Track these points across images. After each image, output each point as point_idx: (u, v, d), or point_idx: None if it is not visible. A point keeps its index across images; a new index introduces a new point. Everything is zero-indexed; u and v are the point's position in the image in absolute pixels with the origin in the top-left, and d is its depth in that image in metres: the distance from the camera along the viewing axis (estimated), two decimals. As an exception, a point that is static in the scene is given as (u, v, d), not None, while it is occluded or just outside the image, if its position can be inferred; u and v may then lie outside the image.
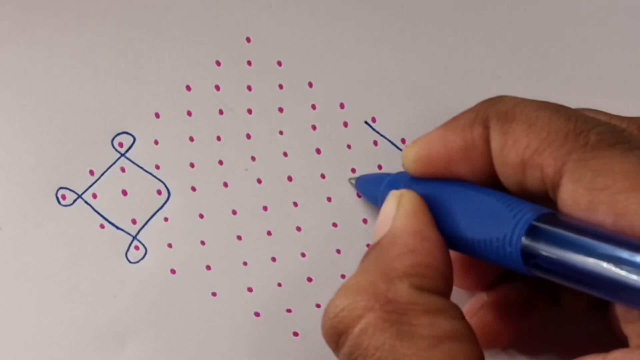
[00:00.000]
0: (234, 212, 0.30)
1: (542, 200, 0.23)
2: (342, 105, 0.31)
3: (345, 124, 0.31)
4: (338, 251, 0.31)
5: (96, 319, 0.29)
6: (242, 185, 0.30)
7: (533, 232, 0.21)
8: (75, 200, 0.30)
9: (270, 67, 0.31)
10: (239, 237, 0.30)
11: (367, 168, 0.31)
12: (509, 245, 0.22)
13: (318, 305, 0.30)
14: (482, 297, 0.28)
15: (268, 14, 0.31)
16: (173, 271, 0.30)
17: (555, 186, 0.22)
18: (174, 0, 0.31)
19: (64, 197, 0.30)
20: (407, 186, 0.26)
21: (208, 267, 0.30)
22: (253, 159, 0.31)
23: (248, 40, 0.31)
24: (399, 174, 0.28)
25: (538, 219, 0.22)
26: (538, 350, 0.30)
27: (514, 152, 0.23)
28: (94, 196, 0.30)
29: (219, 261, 0.30)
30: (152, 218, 0.30)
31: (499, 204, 0.23)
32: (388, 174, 0.29)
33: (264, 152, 0.31)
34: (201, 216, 0.30)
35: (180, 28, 0.31)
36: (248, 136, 0.31)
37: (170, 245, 0.30)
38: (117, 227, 0.30)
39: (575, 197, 0.21)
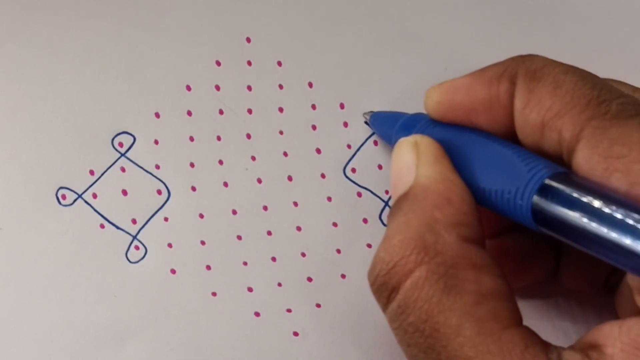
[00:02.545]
0: (234, 212, 0.30)
1: (557, 164, 0.23)
2: (342, 105, 0.31)
3: (345, 124, 0.31)
4: (338, 251, 0.31)
5: (96, 319, 0.29)
6: (242, 185, 0.30)
7: (546, 189, 0.22)
8: (75, 200, 0.30)
9: (270, 67, 0.31)
10: (239, 237, 0.30)
11: (368, 168, 0.31)
12: (520, 199, 0.22)
13: (318, 305, 0.30)
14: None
15: (268, 14, 0.31)
16: (173, 271, 0.30)
17: (571, 150, 0.22)
18: (174, 0, 0.31)
19: (64, 197, 0.30)
20: (423, 129, 0.26)
21: (208, 267, 0.30)
22: (253, 158, 0.31)
23: (248, 40, 0.31)
24: (415, 115, 0.28)
25: (552, 177, 0.22)
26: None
27: (536, 112, 0.23)
28: (94, 196, 0.30)
29: (219, 261, 0.30)
30: (152, 218, 0.30)
31: (515, 156, 0.23)
32: (404, 114, 0.29)
33: (264, 152, 0.31)
34: (201, 216, 0.30)
35: (180, 28, 0.31)
36: (248, 136, 0.31)
37: (170, 245, 0.30)
38: (117, 227, 0.30)
39: (590, 163, 0.21)
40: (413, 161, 0.24)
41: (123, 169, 0.30)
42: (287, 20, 0.31)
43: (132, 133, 0.30)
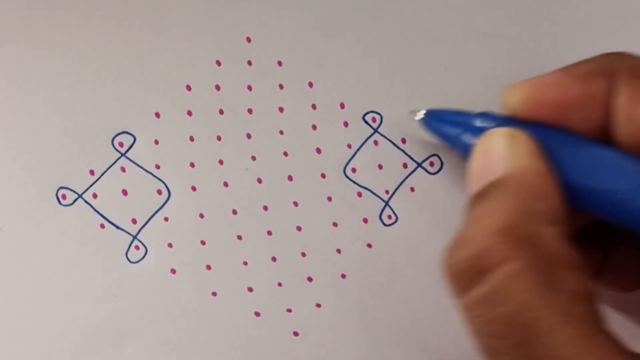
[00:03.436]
0: (234, 212, 0.30)
1: None
2: (342, 105, 0.31)
3: (346, 124, 0.31)
4: (338, 251, 0.31)
5: (96, 318, 0.29)
6: (242, 185, 0.30)
7: None
8: (75, 200, 0.30)
9: (270, 67, 0.31)
10: (239, 237, 0.30)
11: (368, 168, 0.31)
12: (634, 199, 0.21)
13: (318, 305, 0.30)
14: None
15: (268, 14, 0.31)
16: (173, 271, 0.30)
17: None
18: (174, 0, 0.31)
19: (64, 196, 0.30)
20: (505, 124, 0.25)
21: (208, 267, 0.30)
22: (253, 158, 0.31)
23: (248, 40, 0.31)
24: (484, 114, 0.26)
25: None
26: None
27: None
28: (94, 196, 0.30)
29: (219, 261, 0.30)
30: (152, 218, 0.30)
31: (620, 157, 0.22)
32: (465, 113, 0.27)
33: (264, 151, 0.31)
34: (201, 216, 0.30)
35: (180, 28, 0.31)
36: (248, 136, 0.31)
37: (170, 245, 0.30)
38: (118, 227, 0.30)
39: None
40: (507, 151, 0.23)
41: (123, 169, 0.30)
42: (287, 20, 0.31)
43: (132, 133, 0.30)
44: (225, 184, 0.30)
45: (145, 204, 0.30)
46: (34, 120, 0.30)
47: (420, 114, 0.29)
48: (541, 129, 0.24)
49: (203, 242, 0.30)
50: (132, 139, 0.30)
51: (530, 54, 0.32)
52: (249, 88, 0.31)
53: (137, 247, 0.30)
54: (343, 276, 0.30)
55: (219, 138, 0.30)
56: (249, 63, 0.31)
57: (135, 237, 0.30)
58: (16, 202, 0.29)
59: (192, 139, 0.30)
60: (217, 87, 0.31)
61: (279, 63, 0.31)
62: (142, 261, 0.30)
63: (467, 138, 0.25)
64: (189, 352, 0.30)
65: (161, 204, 0.30)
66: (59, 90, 0.30)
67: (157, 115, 0.30)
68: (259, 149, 0.31)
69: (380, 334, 0.30)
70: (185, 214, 0.30)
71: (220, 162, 0.30)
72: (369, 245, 0.31)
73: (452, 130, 0.27)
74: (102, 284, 0.29)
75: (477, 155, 0.24)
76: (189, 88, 0.31)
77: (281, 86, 0.31)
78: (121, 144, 0.30)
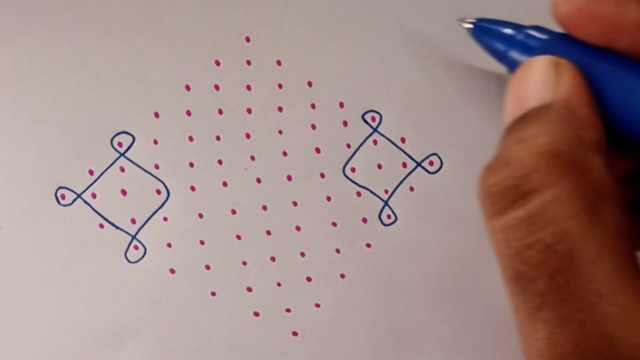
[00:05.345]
0: (234, 212, 0.30)
1: None
2: (341, 105, 0.31)
3: (345, 123, 0.31)
4: (337, 250, 0.30)
5: (96, 318, 0.29)
6: (242, 184, 0.30)
7: None
8: (74, 200, 0.30)
9: (269, 67, 0.31)
10: (239, 237, 0.30)
11: (367, 167, 0.31)
12: None
13: (317, 305, 0.30)
14: None
15: (268, 14, 0.31)
16: (172, 271, 0.30)
17: None
18: (174, 0, 0.31)
19: (63, 196, 0.30)
20: (548, 46, 0.23)
21: (207, 267, 0.30)
22: (252, 158, 0.31)
23: (247, 39, 0.31)
24: (534, 28, 0.25)
25: None
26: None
27: None
28: (94, 196, 0.30)
29: (218, 261, 0.30)
30: (151, 218, 0.30)
31: None
32: (514, 25, 0.26)
33: (264, 151, 0.31)
34: (200, 216, 0.30)
35: (179, 28, 0.31)
36: (247, 136, 0.31)
37: (169, 245, 0.30)
38: (117, 227, 0.30)
39: None
40: (552, 79, 0.22)
41: (122, 169, 0.30)
42: (287, 20, 0.31)
43: (132, 133, 0.30)
44: (225, 184, 0.30)
45: (145, 204, 0.30)
46: (33, 120, 0.30)
47: (469, 24, 0.27)
48: (592, 50, 0.22)
49: (202, 242, 0.30)
50: (131, 139, 0.30)
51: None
52: (248, 88, 0.31)
53: (136, 247, 0.30)
54: (342, 276, 0.30)
55: (218, 138, 0.30)
56: (248, 63, 0.31)
57: (134, 237, 0.30)
58: (15, 202, 0.29)
59: (191, 138, 0.30)
60: (217, 87, 0.31)
61: (279, 62, 0.31)
62: (142, 261, 0.30)
63: (515, 54, 0.24)
64: (188, 352, 0.30)
65: (160, 203, 0.30)
66: (58, 90, 0.30)
67: (157, 115, 0.30)
68: (258, 149, 0.31)
69: (379, 334, 0.30)
70: (185, 214, 0.30)
71: (220, 162, 0.30)
72: (368, 245, 0.30)
73: (500, 45, 0.25)
74: (102, 284, 0.29)
75: (520, 80, 0.22)
76: (188, 88, 0.31)
77: (280, 86, 0.31)
78: (120, 144, 0.30)
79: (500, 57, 0.25)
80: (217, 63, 0.31)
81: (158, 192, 0.30)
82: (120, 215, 0.30)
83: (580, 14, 0.22)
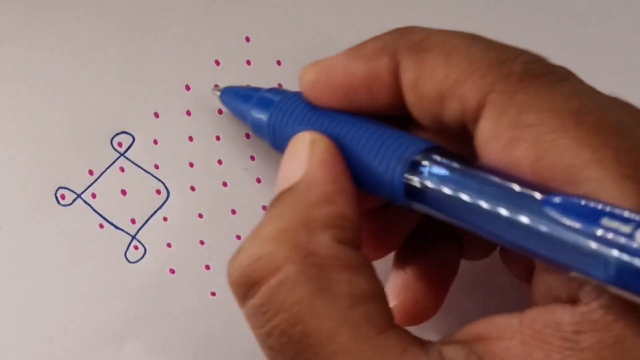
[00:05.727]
0: (233, 212, 0.30)
1: (460, 135, 0.22)
2: (341, 105, 0.31)
3: (345, 124, 0.31)
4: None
5: (95, 318, 0.29)
6: (242, 184, 0.30)
7: (416, 166, 0.21)
8: (74, 200, 0.30)
9: (269, 67, 0.31)
10: (239, 237, 0.30)
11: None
12: (391, 178, 0.21)
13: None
14: (400, 275, 0.27)
15: (268, 14, 0.31)
16: (172, 271, 0.30)
17: (476, 119, 0.21)
18: (174, 0, 0.31)
19: (63, 196, 0.30)
20: (283, 104, 0.25)
21: (207, 267, 0.30)
22: (252, 158, 0.31)
23: (247, 39, 0.31)
24: (272, 90, 0.27)
25: (425, 151, 0.21)
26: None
27: (430, 84, 0.21)
28: (93, 196, 0.30)
29: (218, 261, 0.30)
30: (151, 218, 0.30)
31: (386, 137, 0.22)
32: (258, 89, 0.28)
33: (263, 151, 0.31)
34: (200, 216, 0.30)
35: (179, 27, 0.31)
36: (247, 136, 0.31)
37: (169, 245, 0.30)
38: (117, 227, 0.30)
39: (495, 131, 0.20)
40: (306, 157, 0.22)
41: (122, 169, 0.30)
42: (287, 20, 0.31)
43: (131, 133, 0.30)
44: (224, 184, 0.30)
45: (144, 204, 0.30)
46: (33, 120, 0.30)
47: (218, 91, 0.29)
48: (323, 113, 0.24)
49: (202, 242, 0.30)
50: (131, 139, 0.30)
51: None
52: (249, 87, 0.31)
53: (136, 247, 0.30)
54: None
55: (217, 138, 0.30)
56: (248, 63, 0.31)
57: (134, 237, 0.30)
58: (15, 202, 0.29)
59: (191, 138, 0.30)
60: (217, 87, 0.31)
61: (278, 62, 0.31)
62: (141, 261, 0.30)
63: (255, 112, 0.26)
64: (188, 352, 0.30)
65: (160, 203, 0.30)
66: (58, 90, 0.30)
67: (156, 115, 0.30)
68: (258, 149, 0.31)
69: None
70: (185, 214, 0.30)
71: (220, 162, 0.30)
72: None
73: (243, 105, 0.27)
74: (101, 284, 0.29)
75: (283, 159, 0.23)
76: (188, 88, 0.31)
77: (280, 86, 0.31)
78: (120, 144, 0.30)
79: (244, 117, 0.27)
80: (217, 63, 0.31)
81: (158, 192, 0.30)
82: (120, 215, 0.30)
83: (318, 84, 0.24)
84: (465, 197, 0.20)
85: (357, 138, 0.23)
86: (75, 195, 0.30)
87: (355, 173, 0.23)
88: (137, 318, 0.29)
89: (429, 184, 0.21)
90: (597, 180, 0.18)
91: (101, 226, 0.30)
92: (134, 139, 0.30)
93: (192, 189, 0.30)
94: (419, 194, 0.21)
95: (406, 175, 0.21)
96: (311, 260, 0.20)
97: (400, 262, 0.27)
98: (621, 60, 0.32)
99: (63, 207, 0.30)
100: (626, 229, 0.17)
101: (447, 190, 0.20)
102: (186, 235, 0.30)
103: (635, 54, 0.32)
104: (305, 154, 0.23)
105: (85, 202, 0.30)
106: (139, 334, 0.29)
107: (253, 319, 0.21)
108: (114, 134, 0.30)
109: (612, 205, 0.17)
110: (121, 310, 0.29)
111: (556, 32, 0.32)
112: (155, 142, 0.30)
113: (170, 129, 0.30)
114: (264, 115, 0.26)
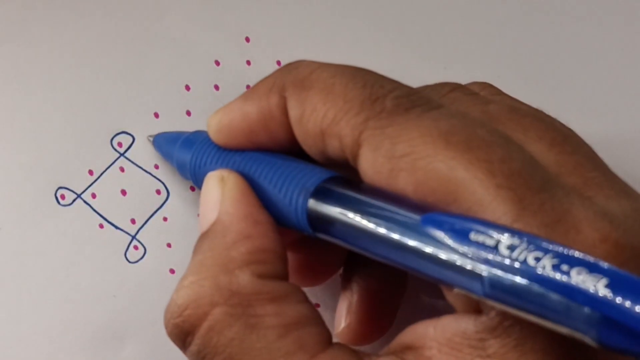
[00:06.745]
0: (233, 212, 0.30)
1: (347, 168, 0.22)
2: (341, 105, 0.31)
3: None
4: (337, 251, 0.30)
5: (95, 318, 0.29)
6: (242, 185, 0.30)
7: (319, 195, 0.22)
8: (74, 200, 0.30)
9: (269, 67, 0.31)
10: (238, 237, 0.30)
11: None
12: (295, 209, 0.22)
13: (317, 305, 0.30)
14: (347, 296, 0.27)
15: (268, 14, 0.31)
16: (172, 271, 0.30)
17: (355, 155, 0.22)
18: (174, 0, 0.31)
19: (63, 196, 0.30)
20: (202, 146, 0.26)
21: (207, 267, 0.30)
22: (252, 158, 0.31)
23: (247, 39, 0.31)
24: (195, 133, 0.27)
25: (324, 182, 0.22)
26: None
27: (312, 121, 0.22)
28: (93, 196, 0.30)
29: (218, 261, 0.30)
30: (151, 218, 0.30)
31: (291, 169, 0.23)
32: (185, 133, 0.28)
33: (263, 151, 0.31)
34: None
35: (179, 28, 0.31)
36: (247, 136, 0.31)
37: (169, 245, 0.30)
38: (116, 227, 0.30)
39: (375, 166, 0.21)
40: (218, 198, 0.23)
41: (122, 169, 0.30)
42: (287, 20, 0.31)
43: (131, 133, 0.30)
44: (224, 184, 0.30)
45: (144, 204, 0.30)
46: (33, 120, 0.30)
47: (151, 138, 0.30)
48: (241, 152, 0.25)
49: (202, 242, 0.30)
50: (131, 139, 0.30)
51: (530, 54, 0.32)
52: (248, 88, 0.31)
53: (136, 247, 0.30)
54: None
55: (218, 138, 0.30)
56: (248, 63, 0.31)
57: (134, 237, 0.30)
58: (15, 202, 0.29)
59: (191, 138, 0.30)
60: (216, 87, 0.31)
61: (278, 62, 0.31)
62: (141, 261, 0.30)
63: (179, 154, 0.27)
64: (188, 352, 0.30)
65: (160, 203, 0.30)
66: (58, 90, 0.30)
67: (156, 115, 0.30)
68: (258, 149, 0.31)
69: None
70: (184, 214, 0.30)
71: (220, 162, 0.30)
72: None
73: (170, 148, 0.28)
74: (101, 284, 0.29)
75: (200, 201, 0.24)
76: (187, 88, 0.31)
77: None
78: (120, 144, 0.30)
79: (171, 160, 0.28)
80: (217, 63, 0.31)
81: (158, 192, 0.30)
82: (120, 215, 0.30)
83: (221, 133, 0.25)
84: (360, 224, 0.20)
85: (265, 172, 0.24)
86: (75, 195, 0.30)
87: (267, 206, 0.23)
88: (137, 318, 0.29)
89: (328, 213, 0.21)
90: (474, 195, 0.19)
91: (101, 226, 0.30)
92: (133, 139, 0.30)
93: (192, 189, 0.30)
94: (322, 223, 0.22)
95: (309, 206, 0.22)
96: (235, 300, 0.21)
97: (346, 283, 0.27)
98: (621, 60, 0.32)
99: (63, 207, 0.30)
100: (491, 242, 0.17)
101: (344, 219, 0.21)
102: (186, 235, 0.30)
103: (635, 54, 0.32)
104: (216, 193, 0.23)
105: (85, 202, 0.30)
106: (139, 334, 0.29)
107: None
108: (114, 134, 0.30)
109: (477, 220, 0.18)
110: (121, 310, 0.29)
111: (556, 32, 0.32)
112: (155, 142, 0.30)
113: (170, 129, 0.30)
114: (187, 157, 0.27)
